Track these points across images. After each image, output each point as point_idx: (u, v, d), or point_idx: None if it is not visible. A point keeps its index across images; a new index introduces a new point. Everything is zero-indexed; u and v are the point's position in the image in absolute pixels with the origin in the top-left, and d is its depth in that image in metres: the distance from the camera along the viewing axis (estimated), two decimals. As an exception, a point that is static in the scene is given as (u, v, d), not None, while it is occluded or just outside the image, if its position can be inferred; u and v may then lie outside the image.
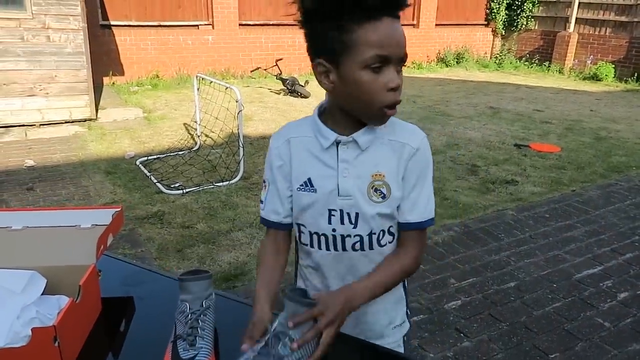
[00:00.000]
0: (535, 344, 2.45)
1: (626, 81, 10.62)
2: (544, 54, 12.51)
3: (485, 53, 13.31)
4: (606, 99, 8.95)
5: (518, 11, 12.70)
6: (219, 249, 3.23)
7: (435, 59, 12.55)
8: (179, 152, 5.10)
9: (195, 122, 5.42)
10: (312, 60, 1.05)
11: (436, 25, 12.36)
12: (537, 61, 12.49)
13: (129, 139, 5.54)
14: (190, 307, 1.09)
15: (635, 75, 10.66)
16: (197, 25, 9.11)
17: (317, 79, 1.06)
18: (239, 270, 3.00)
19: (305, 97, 7.93)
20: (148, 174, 4.43)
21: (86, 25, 5.79)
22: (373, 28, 0.95)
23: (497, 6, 12.78)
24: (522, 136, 6.20)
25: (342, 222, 1.11)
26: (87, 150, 5.12)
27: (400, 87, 1.01)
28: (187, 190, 4.10)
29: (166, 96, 7.68)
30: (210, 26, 9.21)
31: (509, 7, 12.80)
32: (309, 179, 1.10)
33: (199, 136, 5.39)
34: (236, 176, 4.37)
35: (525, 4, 12.53)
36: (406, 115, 7.10)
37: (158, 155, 4.97)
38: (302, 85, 8.05)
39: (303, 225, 1.16)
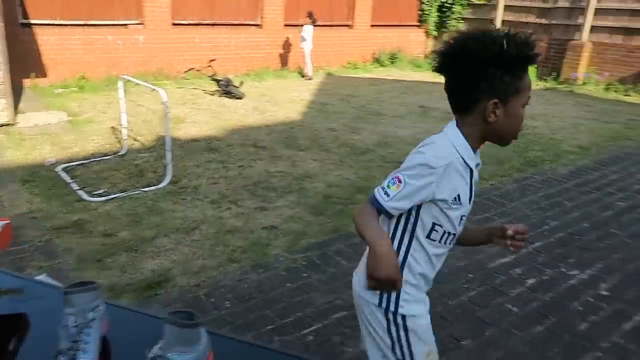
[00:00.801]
0: (449, 332, 2.59)
1: (545, 80, 11.30)
2: (473, 54, 13.06)
3: (419, 53, 13.74)
4: (528, 97, 9.48)
5: (448, 13, 13.21)
6: (142, 257, 3.17)
7: (371, 59, 12.82)
8: (104, 157, 4.94)
9: (122, 125, 5.27)
10: (482, 100, 1.30)
11: (371, 26, 12.62)
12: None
13: (50, 144, 5.30)
14: (75, 320, 1.08)
15: (553, 74, 11.37)
16: (127, 25, 8.82)
17: (485, 113, 1.30)
18: (163, 277, 2.96)
19: (239, 98, 7.88)
20: (69, 180, 4.26)
21: (3, 24, 5.49)
22: (528, 77, 1.30)
23: (429, 8, 13.23)
24: (449, 134, 6.47)
25: (462, 225, 1.41)
26: (2, 157, 4.85)
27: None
28: (112, 196, 3.98)
29: (93, 99, 7.40)
30: (141, 25, 8.95)
31: (439, 8, 13.28)
32: (458, 196, 1.33)
33: (125, 140, 5.23)
34: (163, 181, 4.29)
35: (454, 6, 13.05)
36: (339, 115, 7.23)
37: (82, 161, 4.79)
38: (236, 86, 8.00)
39: (439, 225, 1.36)
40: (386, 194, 1.33)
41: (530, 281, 3.09)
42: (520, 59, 1.27)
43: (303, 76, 10.39)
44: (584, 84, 10.73)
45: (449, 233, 1.38)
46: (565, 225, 3.88)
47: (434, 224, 1.36)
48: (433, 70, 1.42)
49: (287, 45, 11.05)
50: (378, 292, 1.40)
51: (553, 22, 11.58)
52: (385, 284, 1.33)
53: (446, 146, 1.33)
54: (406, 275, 1.39)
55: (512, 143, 1.38)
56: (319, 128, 6.46)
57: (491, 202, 4.31)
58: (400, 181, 1.31)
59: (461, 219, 1.39)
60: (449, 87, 1.37)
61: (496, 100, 1.28)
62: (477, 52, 1.26)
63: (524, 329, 2.64)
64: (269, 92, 8.74)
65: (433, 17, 13.33)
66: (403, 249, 1.39)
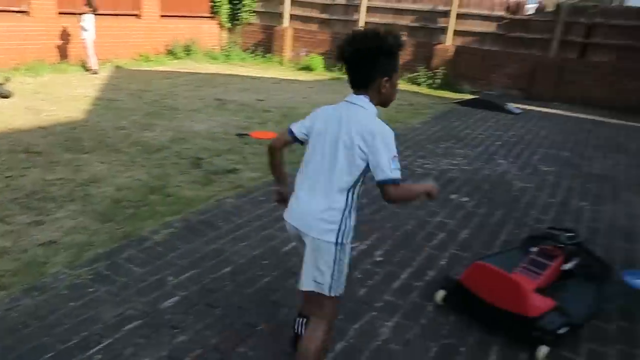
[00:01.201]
0: (246, 320, 2.67)
1: (332, 71, 12.32)
2: (267, 46, 13.54)
3: (214, 45, 13.67)
4: (317, 87, 10.24)
5: (239, 5, 13.39)
6: None
7: (164, 51, 12.31)
8: None
9: None
10: (376, 79, 1.90)
11: (161, 16, 12.09)
12: (261, 53, 13.44)
13: None
14: None
15: (338, 65, 12.45)
16: None
17: (380, 89, 1.92)
18: None
19: (6, 97, 6.80)
20: None
21: None
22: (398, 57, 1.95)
23: (220, 0, 13.21)
24: (245, 125, 6.61)
25: None
26: None
27: None
28: None
29: None
30: None
31: (230, 1, 13.37)
32: None
33: None
34: None
35: (245, -1, 13.29)
36: (129, 111, 6.80)
37: None
38: (0, 83, 6.89)
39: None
40: (399, 169, 1.86)
41: (319, 258, 3.37)
42: (397, 49, 1.90)
43: (87, 70, 9.46)
44: (364, 73, 12.00)
45: None
46: (349, 203, 4.32)
47: (363, 179, 1.97)
48: (336, 61, 2.04)
49: (65, 36, 9.93)
50: (336, 235, 1.95)
51: (334, 17, 12.64)
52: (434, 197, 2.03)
53: (376, 115, 1.95)
54: (353, 217, 2.01)
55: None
56: (106, 127, 5.97)
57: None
58: (396, 156, 1.87)
59: None
60: (353, 72, 1.95)
61: (386, 77, 1.90)
62: (375, 47, 1.85)
63: (314, 303, 2.86)
64: (45, 89, 7.75)
65: (225, 9, 13.37)
66: (355, 199, 1.99)
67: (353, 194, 1.97)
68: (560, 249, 3.00)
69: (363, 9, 12.06)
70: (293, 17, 13.12)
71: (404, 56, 11.84)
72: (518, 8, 10.72)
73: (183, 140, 5.75)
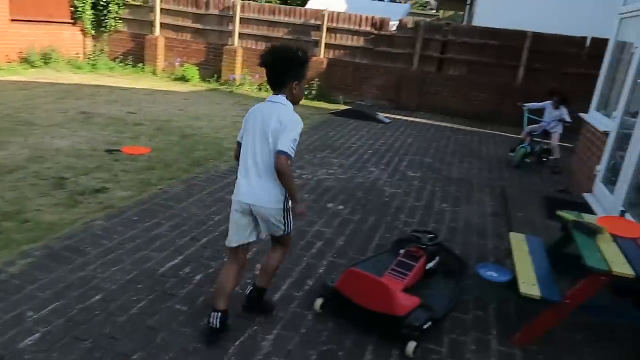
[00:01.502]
0: (120, 351, 2.52)
1: (208, 81, 12.13)
2: (137, 55, 12.90)
3: (77, 53, 12.70)
4: (193, 98, 10.00)
5: (104, 11, 12.59)
6: None
7: (18, 59, 11.15)
8: None
9: None
10: (289, 82, 2.51)
11: (12, 20, 10.94)
12: (131, 62, 12.77)
13: None
14: None
15: (215, 76, 12.30)
16: None
17: (292, 90, 2.54)
18: None
19: None
20: None
21: None
22: (307, 68, 2.61)
23: (82, 5, 12.32)
24: (115, 140, 6.24)
25: None
26: None
27: None
28: None
29: None
30: None
31: (94, 6, 12.52)
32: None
33: None
34: None
35: (111, 5, 12.51)
36: (-24, 128, 6.05)
37: None
38: None
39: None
40: (292, 149, 2.47)
41: (198, 277, 3.30)
42: (305, 60, 2.56)
43: None
44: (241, 84, 11.99)
45: None
46: (228, 218, 4.23)
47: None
48: (259, 65, 2.59)
49: None
50: (282, 201, 2.60)
51: (207, 27, 12.46)
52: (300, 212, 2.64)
53: (292, 109, 2.56)
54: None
55: None
56: (-55, 146, 5.25)
57: (160, 206, 4.38)
58: (295, 139, 2.49)
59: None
60: (271, 76, 2.56)
61: (296, 81, 2.53)
62: (289, 58, 2.51)
63: (193, 324, 2.80)
64: None
65: (88, 15, 12.49)
66: None
67: None
68: (423, 249, 3.28)
69: (237, 20, 12.07)
70: (164, 25, 12.67)
71: (280, 68, 12.04)
72: (382, 24, 11.52)
73: (42, 158, 5.26)
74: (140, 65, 12.70)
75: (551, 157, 7.32)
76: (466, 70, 11.30)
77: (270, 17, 12.03)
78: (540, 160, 7.42)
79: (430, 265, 3.30)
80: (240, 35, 12.20)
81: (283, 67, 2.50)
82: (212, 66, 12.51)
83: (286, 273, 3.46)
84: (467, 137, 9.31)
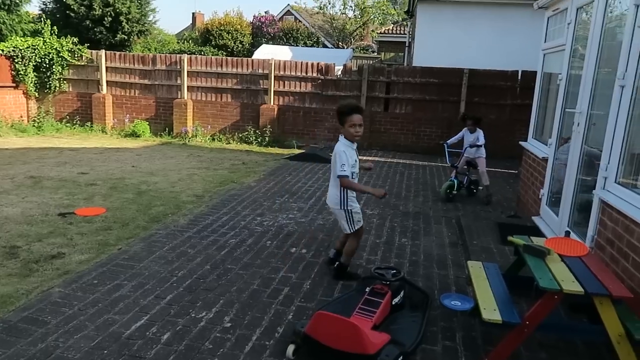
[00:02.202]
0: (89, 423, 2.44)
1: (161, 135, 12.10)
2: (85, 114, 12.76)
3: (21, 117, 12.44)
4: (145, 154, 9.93)
5: (48, 73, 12.46)
6: None
7: (-43, 127, 10.78)
8: None
9: None
10: (341, 124, 4.05)
11: (-50, 88, 10.64)
12: (79, 122, 12.61)
13: None
14: None
15: (167, 130, 12.30)
16: None
17: (344, 131, 4.05)
18: None
19: None
20: None
21: None
22: (354, 115, 3.99)
23: (24, 68, 12.16)
24: (67, 203, 6.10)
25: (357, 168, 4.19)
26: None
27: (360, 133, 4.05)
28: None
29: None
30: None
31: (36, 69, 12.38)
32: (355, 160, 4.10)
33: None
34: None
35: (54, 67, 12.41)
36: None
37: None
38: None
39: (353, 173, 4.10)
40: (344, 171, 3.90)
41: (166, 336, 3.24)
42: (349, 110, 3.98)
43: None
44: (194, 136, 12.03)
45: (355, 174, 4.10)
46: (192, 272, 4.25)
47: (352, 173, 4.01)
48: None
49: None
50: (339, 202, 4.07)
51: (156, 82, 12.53)
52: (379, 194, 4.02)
53: (341, 144, 4.02)
54: (350, 192, 4.08)
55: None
56: None
57: (120, 267, 4.30)
58: (343, 164, 3.92)
59: (356, 165, 4.09)
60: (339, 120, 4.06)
61: (342, 125, 4.03)
62: (341, 110, 4.03)
63: (165, 386, 2.74)
64: None
65: (31, 78, 12.32)
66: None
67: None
68: (387, 286, 3.38)
69: (184, 74, 12.22)
70: (111, 83, 12.65)
71: (233, 117, 12.23)
72: (328, 70, 11.96)
73: (-9, 228, 5.07)
74: (88, 124, 12.55)
75: (480, 187, 7.39)
76: (412, 107, 11.82)
77: (218, 70, 12.25)
78: (472, 192, 7.51)
79: (396, 300, 3.39)
80: (189, 88, 12.33)
81: (340, 116, 4.03)
82: (163, 120, 12.51)
83: (256, 322, 3.46)
84: (419, 171, 9.66)
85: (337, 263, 4.32)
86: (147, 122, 12.43)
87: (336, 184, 4.02)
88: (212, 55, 17.97)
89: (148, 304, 3.67)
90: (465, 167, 7.51)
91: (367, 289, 3.42)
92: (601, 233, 3.80)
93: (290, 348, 3.04)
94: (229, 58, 12.54)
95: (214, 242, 5.05)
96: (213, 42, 21.82)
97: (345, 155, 3.92)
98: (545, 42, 6.37)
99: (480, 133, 7.39)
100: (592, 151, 4.52)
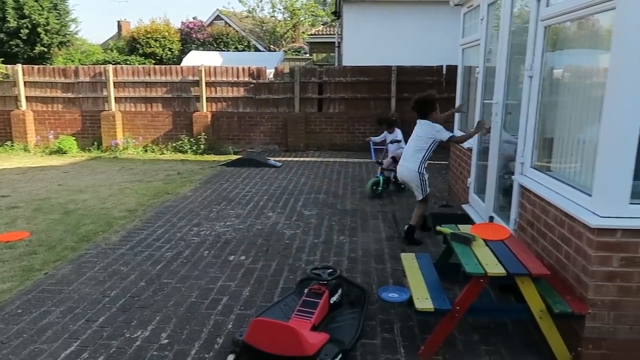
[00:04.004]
0: None
1: (89, 150, 11.59)
2: (3, 133, 12.00)
3: None
4: (73, 171, 9.46)
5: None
6: None
7: None
8: None
9: None
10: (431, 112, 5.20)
11: None
12: (-4, 142, 11.83)
13: None
14: None
15: (95, 144, 11.79)
16: None
17: (435, 114, 5.19)
18: None
19: None
20: None
21: None
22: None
23: None
24: (-14, 230, 5.70)
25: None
26: None
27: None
28: None
29: None
30: None
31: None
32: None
33: None
34: None
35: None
36: None
37: None
38: None
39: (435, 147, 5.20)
40: (448, 131, 5.11)
41: (99, 360, 3.11)
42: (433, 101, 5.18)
43: None
44: (125, 149, 11.60)
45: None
46: (125, 291, 4.10)
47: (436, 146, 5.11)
48: (412, 109, 5.23)
49: None
50: (418, 167, 5.07)
51: (81, 95, 11.98)
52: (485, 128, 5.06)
53: (429, 123, 5.08)
54: (425, 162, 5.12)
55: None
56: None
57: (47, 292, 4.07)
58: (442, 128, 5.05)
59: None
60: (419, 110, 5.14)
61: (434, 112, 5.11)
62: (432, 99, 5.19)
63: (99, 412, 2.63)
64: None
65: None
66: (429, 152, 5.09)
67: (424, 155, 5.08)
68: (324, 285, 3.41)
69: (111, 85, 11.76)
70: (31, 99, 11.97)
71: (165, 126, 11.91)
72: (260, 74, 11.91)
73: None
74: (8, 143, 11.80)
75: None
76: (345, 106, 11.99)
77: (147, 79, 11.89)
78: (400, 187, 7.55)
79: (334, 298, 3.43)
80: (117, 99, 11.89)
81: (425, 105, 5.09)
82: (91, 134, 11.98)
83: (194, 336, 3.38)
84: (356, 168, 9.82)
85: (407, 226, 5.21)
86: (74, 138, 11.86)
87: (415, 156, 5.06)
88: (139, 64, 17.42)
89: (78, 328, 3.50)
90: (392, 162, 7.63)
91: (305, 291, 3.44)
92: (522, 215, 4.02)
93: (230, 358, 3.00)
94: (156, 66, 12.20)
95: (149, 257, 4.89)
96: (140, 51, 21.12)
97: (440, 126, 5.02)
98: (462, 37, 6.66)
99: (398, 131, 7.69)
100: (511, 139, 4.77)
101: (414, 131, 5.15)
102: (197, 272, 4.51)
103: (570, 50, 3.66)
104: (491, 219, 4.13)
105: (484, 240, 3.40)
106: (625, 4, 2.65)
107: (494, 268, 2.96)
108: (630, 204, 2.79)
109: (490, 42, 5.50)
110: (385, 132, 7.89)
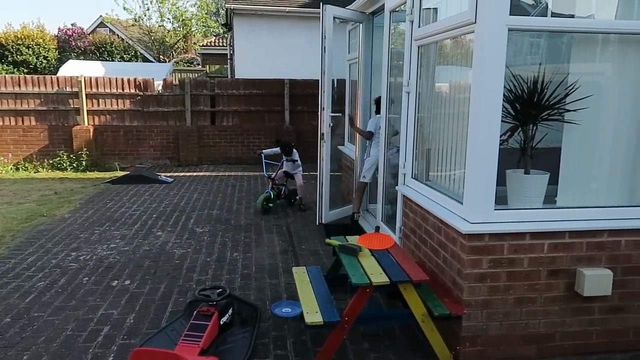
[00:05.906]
0: None
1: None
2: None
3: None
4: None
5: None
6: None
7: None
8: None
9: None
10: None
11: None
12: None
13: None
14: None
15: None
16: None
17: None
18: None
19: None
20: None
21: None
22: None
23: None
24: None
25: None
26: None
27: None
28: None
29: None
30: None
31: None
32: None
33: None
34: None
35: None
36: None
37: None
38: None
39: None
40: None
41: (-51, 415, 2.70)
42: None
43: None
44: (-9, 167, 10.39)
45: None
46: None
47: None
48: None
49: None
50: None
51: None
52: None
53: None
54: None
55: None
56: None
57: None
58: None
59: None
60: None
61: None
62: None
63: None
64: None
65: None
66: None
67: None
68: (214, 306, 3.29)
69: (-27, 96, 10.51)
70: None
71: (40, 141, 10.89)
72: (147, 85, 11.37)
73: None
74: None
75: (297, 197, 7.49)
76: (239, 119, 11.85)
77: (16, 89, 10.80)
78: (291, 201, 7.59)
79: (224, 319, 3.32)
80: (-20, 112, 10.63)
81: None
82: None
83: (69, 374, 3.08)
84: (251, 182, 9.72)
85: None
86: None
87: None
88: (7, 73, 15.81)
89: None
90: (284, 176, 7.61)
91: (194, 313, 3.29)
92: (406, 224, 4.23)
93: (109, 395, 2.76)
94: (28, 76, 11.12)
95: (17, 288, 4.39)
96: (10, 58, 19.19)
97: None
98: (349, 53, 6.91)
99: (295, 153, 7.57)
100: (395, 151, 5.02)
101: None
102: (74, 301, 4.13)
103: (442, 67, 3.94)
104: (377, 229, 4.29)
105: (370, 251, 3.51)
106: (480, 27, 2.91)
107: (379, 277, 3.06)
108: (495, 209, 3.05)
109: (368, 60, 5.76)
110: (282, 153, 7.59)
